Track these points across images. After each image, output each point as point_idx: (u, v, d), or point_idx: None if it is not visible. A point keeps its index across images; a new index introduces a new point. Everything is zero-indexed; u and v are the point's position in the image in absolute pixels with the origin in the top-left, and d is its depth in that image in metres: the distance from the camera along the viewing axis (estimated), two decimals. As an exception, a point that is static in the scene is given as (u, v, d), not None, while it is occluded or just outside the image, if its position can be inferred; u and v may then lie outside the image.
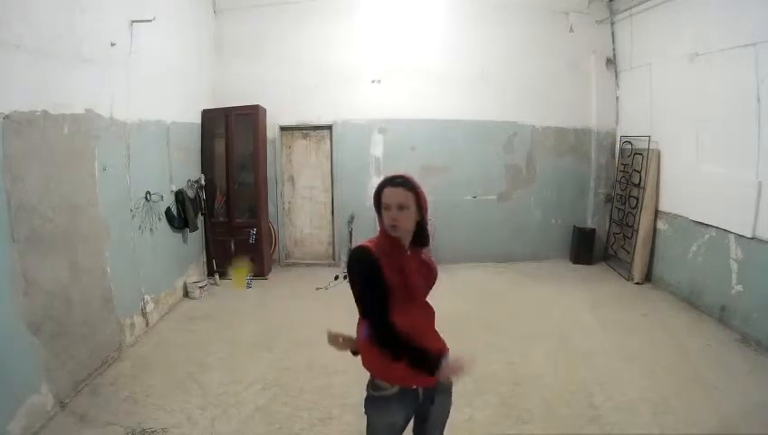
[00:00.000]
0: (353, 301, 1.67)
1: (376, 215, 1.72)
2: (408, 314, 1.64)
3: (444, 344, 1.75)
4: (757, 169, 3.83)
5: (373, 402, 1.70)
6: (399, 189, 1.63)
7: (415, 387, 1.66)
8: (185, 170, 5.05)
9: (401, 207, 1.61)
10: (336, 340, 1.76)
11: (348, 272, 1.74)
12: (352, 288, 1.66)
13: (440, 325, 1.76)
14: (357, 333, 1.77)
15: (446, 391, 1.76)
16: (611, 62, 6.11)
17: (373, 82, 5.98)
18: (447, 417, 1.81)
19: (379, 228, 1.71)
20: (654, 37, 5.28)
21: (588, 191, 6.34)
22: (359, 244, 1.67)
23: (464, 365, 1.53)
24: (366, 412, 1.74)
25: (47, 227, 2.89)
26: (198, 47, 5.46)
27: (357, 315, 1.71)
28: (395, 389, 1.65)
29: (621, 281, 5.49)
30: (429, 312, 1.77)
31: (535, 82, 6.07)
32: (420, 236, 1.71)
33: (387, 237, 1.66)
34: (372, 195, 1.71)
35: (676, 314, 4.47)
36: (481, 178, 6.19)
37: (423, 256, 1.75)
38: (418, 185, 1.67)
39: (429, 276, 1.75)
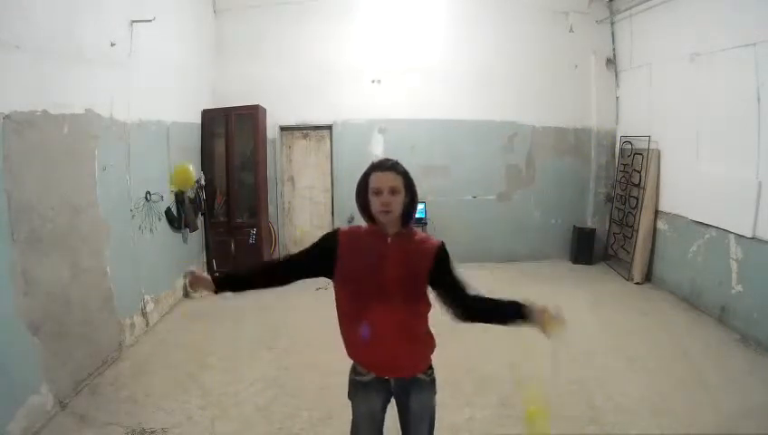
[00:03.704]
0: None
1: (357, 205, 1.67)
2: (364, 313, 1.62)
3: (412, 359, 1.70)
4: (757, 169, 3.83)
5: (354, 386, 1.76)
6: (390, 173, 1.61)
7: (387, 378, 1.71)
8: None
9: (393, 192, 1.59)
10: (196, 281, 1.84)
11: None
12: None
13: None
14: (346, 332, 1.77)
15: (424, 386, 1.73)
16: (611, 62, 6.11)
17: (373, 82, 5.98)
18: (431, 413, 1.76)
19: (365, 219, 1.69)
20: (654, 37, 5.28)
21: (588, 191, 6.33)
22: None
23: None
24: (348, 396, 1.79)
25: (47, 227, 2.89)
26: (198, 47, 5.46)
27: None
28: (371, 375, 1.70)
29: (621, 281, 5.48)
30: (402, 318, 1.63)
31: (535, 82, 6.06)
32: (406, 216, 1.66)
33: (370, 225, 1.67)
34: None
35: (676, 313, 4.47)
36: (481, 178, 6.18)
37: (409, 243, 1.66)
38: (405, 168, 1.66)
39: (415, 264, 1.63)
